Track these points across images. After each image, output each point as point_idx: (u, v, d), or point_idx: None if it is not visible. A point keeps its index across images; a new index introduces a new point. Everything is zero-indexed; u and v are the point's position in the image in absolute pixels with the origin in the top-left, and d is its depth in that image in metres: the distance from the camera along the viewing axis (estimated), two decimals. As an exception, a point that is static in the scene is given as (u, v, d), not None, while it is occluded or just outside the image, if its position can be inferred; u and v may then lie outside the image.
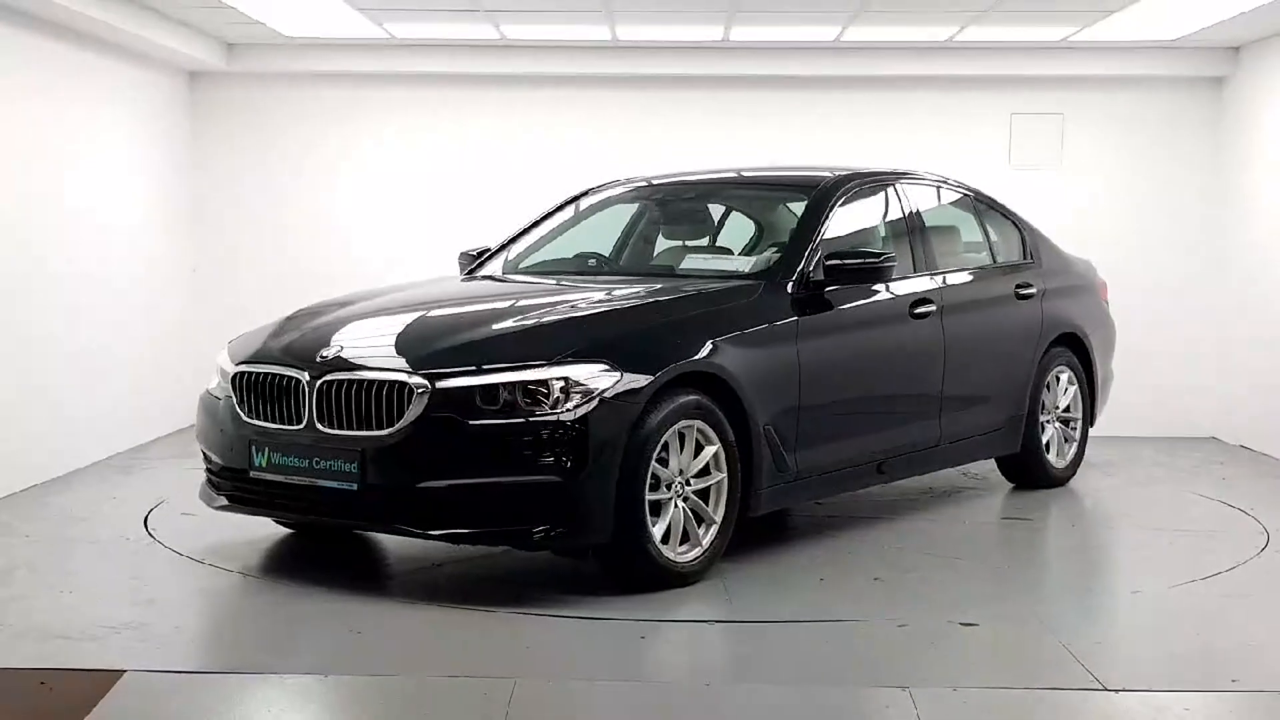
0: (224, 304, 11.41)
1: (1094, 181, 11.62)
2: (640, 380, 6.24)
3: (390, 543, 7.24)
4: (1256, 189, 11.02)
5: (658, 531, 6.31)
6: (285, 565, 6.95)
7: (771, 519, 7.63)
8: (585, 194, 8.83)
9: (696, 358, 6.53)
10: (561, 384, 6.12)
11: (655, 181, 8.70)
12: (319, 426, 6.37)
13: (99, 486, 8.92)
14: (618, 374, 6.20)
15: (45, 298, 9.10)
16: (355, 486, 6.24)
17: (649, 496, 6.26)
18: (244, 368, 6.74)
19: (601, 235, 8.53)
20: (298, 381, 6.47)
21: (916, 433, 7.93)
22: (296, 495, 6.49)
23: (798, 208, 7.87)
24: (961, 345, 8.12)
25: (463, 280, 8.17)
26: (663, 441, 6.31)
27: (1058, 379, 9.03)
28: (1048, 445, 8.98)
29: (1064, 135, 11.70)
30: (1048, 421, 8.98)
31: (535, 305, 7.06)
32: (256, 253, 11.70)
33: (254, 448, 6.59)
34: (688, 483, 6.48)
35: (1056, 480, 9.07)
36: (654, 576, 6.35)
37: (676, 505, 6.43)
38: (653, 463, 6.26)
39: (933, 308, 7.91)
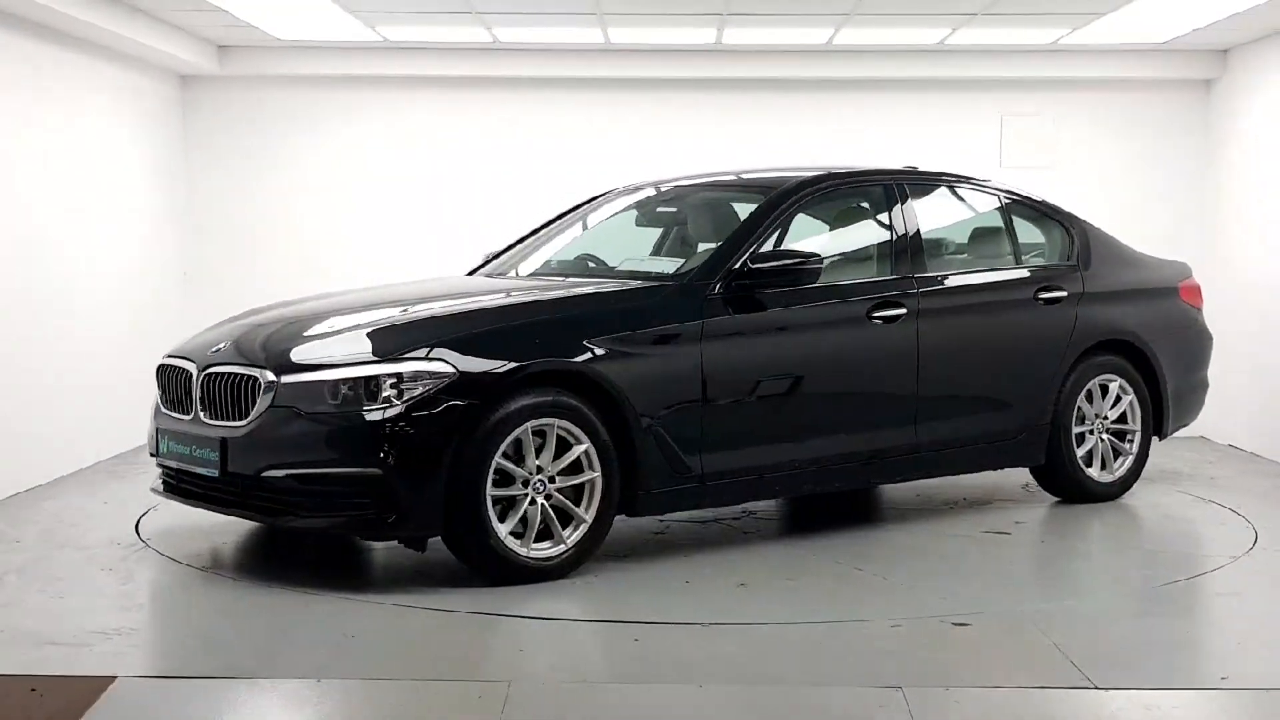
0: (215, 307, 11.30)
1: (1085, 183, 11.62)
2: (481, 378, 6.44)
3: (382, 546, 7.24)
4: (1245, 190, 11.05)
5: (505, 527, 6.47)
6: (277, 570, 6.94)
7: (794, 517, 7.64)
8: (596, 197, 8.95)
9: (554, 357, 6.64)
10: (393, 380, 6.37)
11: (660, 185, 8.74)
12: (201, 417, 6.84)
13: (90, 492, 8.91)
14: (455, 372, 6.41)
15: (36, 302, 9.11)
16: (216, 473, 6.67)
17: (496, 492, 6.44)
18: (164, 360, 7.33)
19: (603, 239, 8.55)
20: (190, 374, 6.97)
21: (882, 439, 7.73)
22: (185, 480, 7.00)
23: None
24: (947, 350, 7.90)
25: (426, 281, 8.40)
26: (513, 438, 6.46)
27: (1104, 388, 8.60)
28: (1088, 458, 8.57)
29: (1055, 137, 11.73)
30: (1089, 432, 8.56)
31: (418, 305, 7.15)
32: (248, 256, 11.69)
33: (160, 436, 7.16)
34: (551, 480, 6.59)
35: (1101, 495, 8.63)
36: (501, 571, 6.52)
37: (535, 502, 6.56)
38: (498, 459, 6.42)
39: (901, 311, 7.72)
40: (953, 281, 8.14)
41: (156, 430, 7.20)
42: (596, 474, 6.70)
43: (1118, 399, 8.66)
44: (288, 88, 11.71)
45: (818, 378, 7.49)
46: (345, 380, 6.40)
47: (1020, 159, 11.61)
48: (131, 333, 10.41)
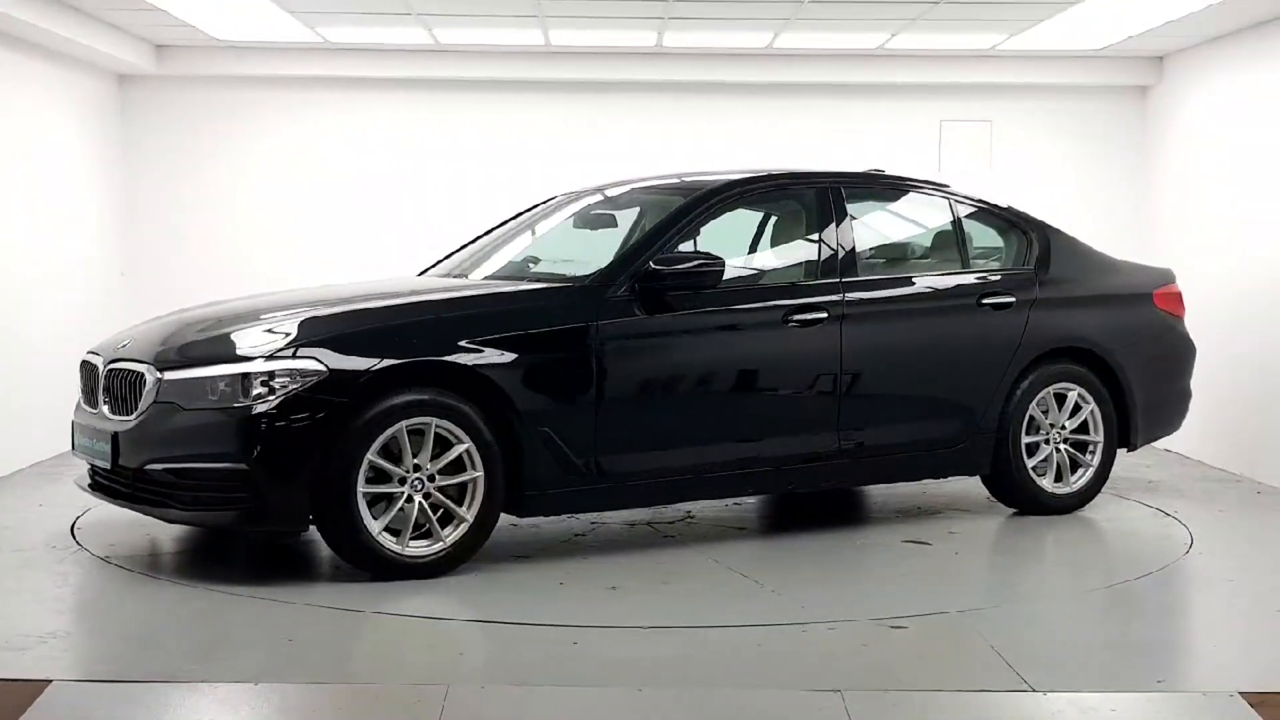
0: (153, 307, 11.21)
1: (1022, 187, 11.70)
2: (351, 377, 6.54)
3: (322, 550, 7.20)
4: (1180, 194, 11.19)
5: (378, 524, 6.56)
6: (215, 572, 6.91)
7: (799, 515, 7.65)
8: (544, 202, 8.94)
9: (427, 356, 6.70)
10: (263, 378, 6.49)
11: (603, 189, 8.71)
12: (104, 411, 7.01)
13: (25, 494, 8.85)
14: (325, 370, 6.51)
15: (-30, 303, 9.02)
16: (109, 466, 6.84)
17: (370, 489, 6.54)
18: (84, 356, 7.47)
19: (552, 241, 8.53)
20: (98, 369, 7.16)
21: (799, 444, 7.65)
22: (92, 474, 7.19)
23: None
24: (874, 355, 7.80)
25: (357, 283, 8.42)
26: (388, 436, 6.55)
27: (1061, 397, 8.36)
28: (1040, 468, 8.35)
29: (992, 142, 11.82)
30: (1044, 442, 8.33)
31: (320, 306, 7.18)
32: (186, 256, 11.63)
33: (74, 430, 7.36)
34: (431, 478, 6.65)
35: (1056, 507, 8.39)
36: (375, 566, 6.63)
37: (412, 500, 6.64)
38: (371, 456, 6.51)
39: (822, 315, 7.63)
40: (883, 286, 8.02)
41: (73, 425, 7.39)
42: (479, 473, 6.75)
43: (1077, 408, 8.43)
44: (226, 88, 11.65)
45: (724, 381, 7.48)
46: (220, 378, 6.57)
47: (959, 163, 11.69)
48: (67, 333, 10.30)
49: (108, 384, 7.02)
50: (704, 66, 11.54)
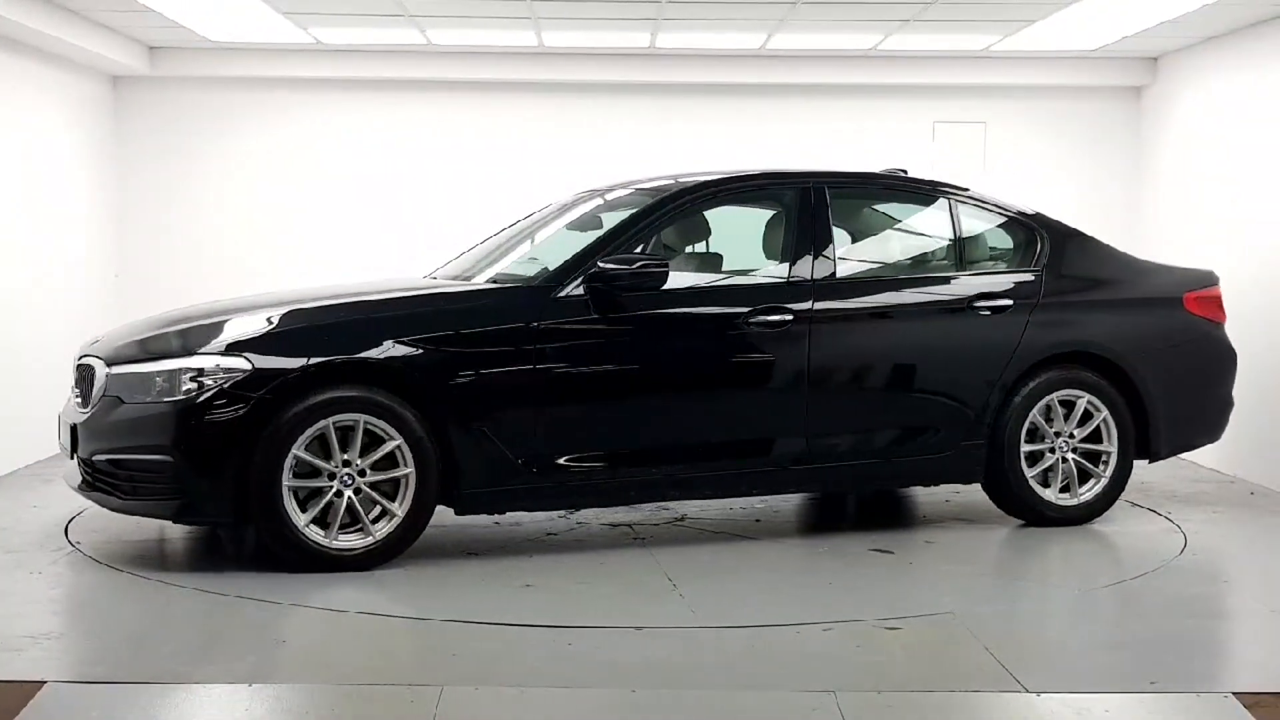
0: (147, 308, 11.24)
1: (1016, 188, 11.69)
2: (275, 374, 6.77)
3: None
4: (1174, 194, 11.22)
5: (305, 517, 6.77)
6: (208, 574, 6.92)
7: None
8: (576, 196, 8.90)
9: (350, 354, 6.89)
10: (192, 374, 6.77)
11: (604, 191, 8.65)
12: (75, 404, 7.31)
13: (19, 495, 8.86)
14: (250, 368, 6.76)
15: (-37, 304, 9.02)
16: (70, 456, 7.20)
17: (296, 483, 6.76)
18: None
19: (555, 241, 8.43)
20: (76, 366, 7.44)
21: (757, 448, 7.57)
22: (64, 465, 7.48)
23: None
24: (845, 359, 7.69)
25: (336, 284, 8.56)
26: (314, 432, 6.76)
27: (1069, 404, 8.03)
28: (1043, 478, 8.03)
29: (986, 143, 11.84)
30: (1049, 450, 8.04)
31: (270, 306, 7.36)
32: (180, 257, 11.64)
33: (60, 424, 7.49)
34: (362, 473, 6.82)
35: (1062, 519, 8.08)
36: (302, 558, 6.82)
37: (342, 494, 6.82)
38: (298, 451, 6.73)
39: (788, 318, 7.52)
40: (861, 288, 7.89)
41: (58, 418, 7.62)
42: (410, 470, 6.89)
43: (1089, 417, 8.09)
44: (220, 89, 11.66)
45: (676, 382, 7.48)
46: (158, 373, 6.86)
47: (953, 164, 11.69)
48: (61, 334, 10.29)
49: (77, 378, 7.34)
50: (697, 68, 11.56)
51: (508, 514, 7.83)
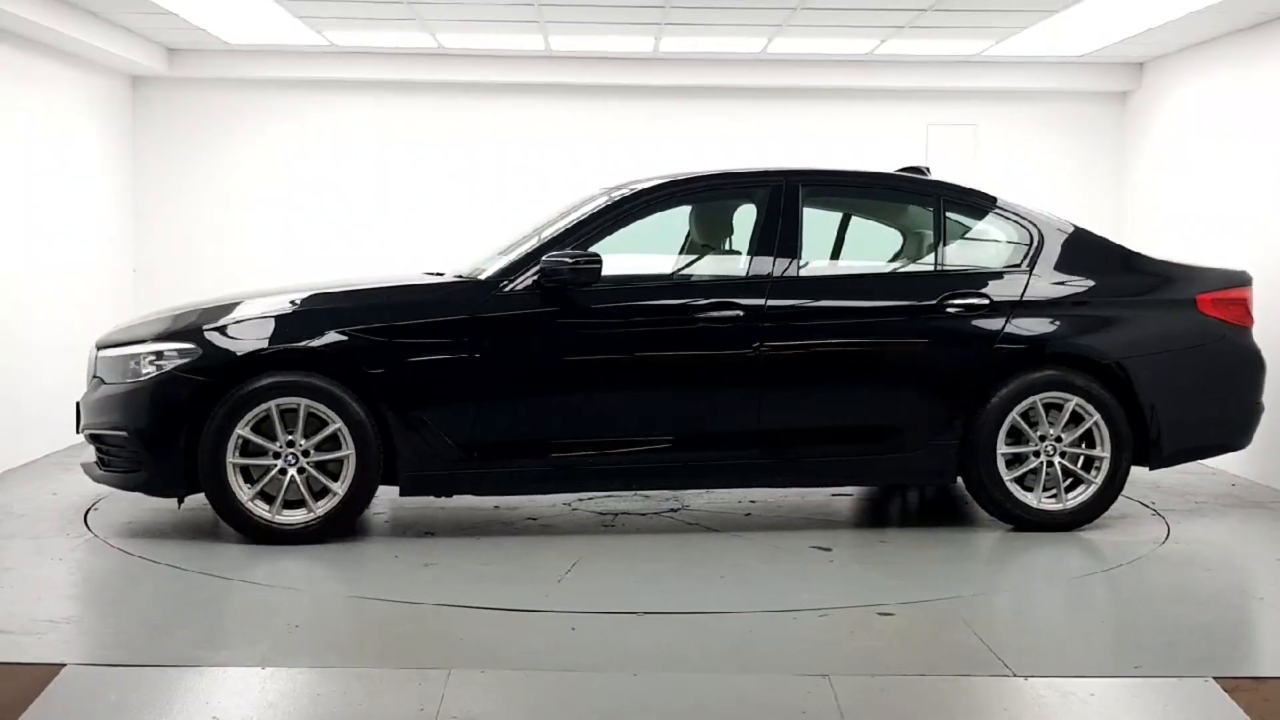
0: (163, 304, 11.35)
1: (1005, 188, 11.74)
2: (223, 358, 7.29)
3: (325, 539, 7.33)
4: (1158, 196, 11.35)
5: (249, 492, 7.25)
6: (223, 560, 7.01)
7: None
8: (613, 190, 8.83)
9: (292, 343, 7.32)
10: (152, 357, 7.33)
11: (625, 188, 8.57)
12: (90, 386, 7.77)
13: (39, 483, 8.96)
14: (200, 353, 7.28)
15: (-17, 298, 9.13)
16: (77, 431, 7.73)
17: (241, 460, 7.24)
18: None
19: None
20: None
21: (706, 441, 7.62)
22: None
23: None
24: (801, 356, 7.63)
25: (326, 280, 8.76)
26: (259, 413, 7.23)
27: (1056, 407, 7.73)
28: (1023, 480, 7.79)
29: (977, 145, 11.97)
30: (1033, 454, 7.76)
31: (252, 297, 7.86)
32: (197, 255, 11.77)
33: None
34: (306, 454, 7.27)
35: (1045, 524, 7.80)
36: (248, 530, 7.33)
37: (285, 472, 7.28)
38: (242, 430, 7.21)
39: (738, 314, 7.54)
40: (822, 286, 7.86)
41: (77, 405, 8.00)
42: (350, 451, 7.28)
43: (1079, 420, 7.78)
44: (236, 89, 11.79)
45: (619, 374, 7.62)
46: (130, 356, 7.41)
47: (945, 165, 11.79)
48: (80, 328, 10.40)
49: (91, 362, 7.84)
50: (699, 71, 11.69)
51: (508, 498, 8.18)
